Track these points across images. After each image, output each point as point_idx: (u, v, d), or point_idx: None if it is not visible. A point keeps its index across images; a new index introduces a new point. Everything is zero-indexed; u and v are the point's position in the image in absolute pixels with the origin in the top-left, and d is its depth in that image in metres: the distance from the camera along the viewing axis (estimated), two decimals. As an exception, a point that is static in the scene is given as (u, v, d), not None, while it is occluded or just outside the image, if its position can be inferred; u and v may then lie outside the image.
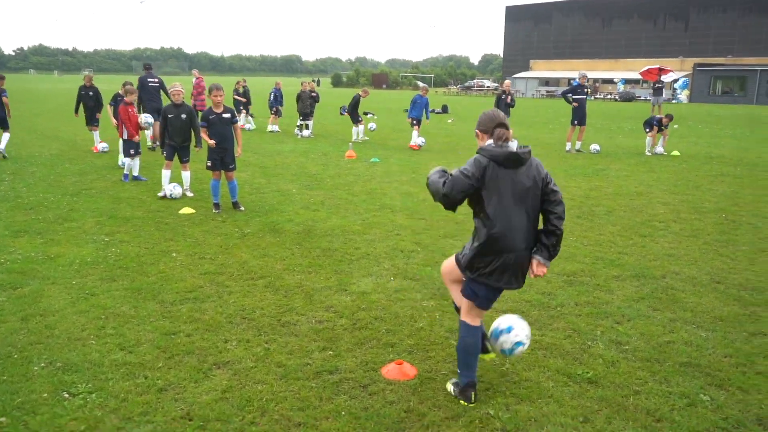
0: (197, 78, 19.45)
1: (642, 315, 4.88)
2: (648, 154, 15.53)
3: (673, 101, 54.34)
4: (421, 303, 5.06)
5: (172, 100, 8.96)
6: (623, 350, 4.24)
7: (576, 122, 15.85)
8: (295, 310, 4.86)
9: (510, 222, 3.32)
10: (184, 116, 8.90)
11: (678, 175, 12.12)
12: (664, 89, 29.58)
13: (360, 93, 18.02)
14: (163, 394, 3.56)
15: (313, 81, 22.61)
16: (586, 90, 16.06)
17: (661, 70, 28.66)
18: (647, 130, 15.76)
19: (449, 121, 26.95)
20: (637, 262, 6.28)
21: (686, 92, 57.85)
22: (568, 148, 16.07)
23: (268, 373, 3.82)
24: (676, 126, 23.92)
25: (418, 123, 16.46)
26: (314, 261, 6.16)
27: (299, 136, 18.36)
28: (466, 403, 3.46)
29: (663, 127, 15.51)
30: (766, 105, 37.15)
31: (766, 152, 16.54)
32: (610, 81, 67.05)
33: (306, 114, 18.60)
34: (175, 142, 8.99)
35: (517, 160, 3.32)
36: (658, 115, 16.30)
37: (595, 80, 68.94)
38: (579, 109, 15.76)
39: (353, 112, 17.57)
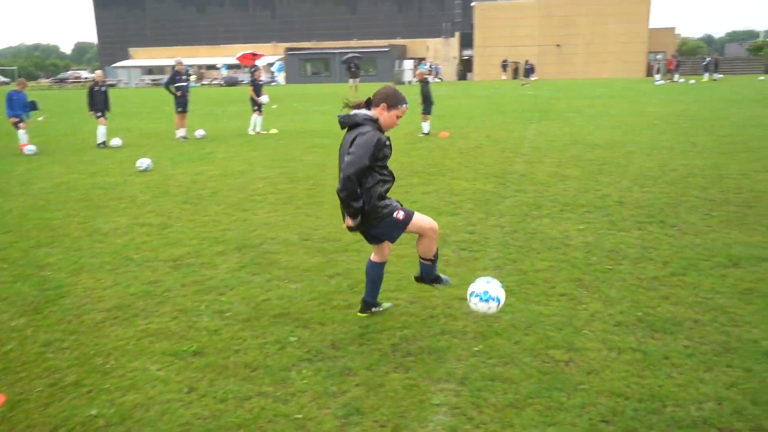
0: None
1: (243, 282, 5.32)
2: (251, 133, 16.60)
3: (273, 84, 58.69)
4: (9, 323, 4.54)
5: None
6: (226, 317, 4.57)
7: (180, 110, 15.91)
8: None
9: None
10: None
11: (277, 151, 13.31)
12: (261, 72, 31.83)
13: None
14: None
15: None
16: (185, 77, 16.19)
17: (255, 55, 30.67)
18: (255, 108, 16.87)
19: (40, 119, 23.94)
20: (240, 235, 6.77)
21: (283, 75, 63.09)
22: (179, 135, 16.04)
23: None
24: (275, 106, 25.99)
25: (20, 122, 14.30)
26: None
27: None
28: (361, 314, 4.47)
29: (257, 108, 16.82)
30: (345, 82, 43.36)
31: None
32: (214, 67, 68.62)
33: None
34: None
35: (340, 123, 4.12)
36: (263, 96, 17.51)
37: (200, 67, 69.71)
38: (182, 96, 15.84)
39: None
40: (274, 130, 17.08)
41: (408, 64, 58.49)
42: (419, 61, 60.44)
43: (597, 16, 58.11)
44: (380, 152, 3.94)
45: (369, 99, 4.11)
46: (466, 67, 64.87)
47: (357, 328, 4.31)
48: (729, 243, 6.02)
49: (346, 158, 3.89)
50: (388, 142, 4.04)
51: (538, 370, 3.67)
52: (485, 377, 3.61)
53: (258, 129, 16.81)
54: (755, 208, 7.34)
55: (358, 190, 3.90)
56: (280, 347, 4.06)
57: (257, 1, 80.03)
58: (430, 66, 58.62)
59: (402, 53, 65.41)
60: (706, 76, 45.54)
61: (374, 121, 4.03)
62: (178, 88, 15.66)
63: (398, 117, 4.06)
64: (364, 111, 4.09)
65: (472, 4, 64.01)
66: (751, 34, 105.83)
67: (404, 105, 4.07)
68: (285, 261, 5.83)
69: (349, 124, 4.08)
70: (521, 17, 60.16)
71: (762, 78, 46.47)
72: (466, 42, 63.85)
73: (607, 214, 7.26)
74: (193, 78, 63.24)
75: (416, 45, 67.09)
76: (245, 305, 4.79)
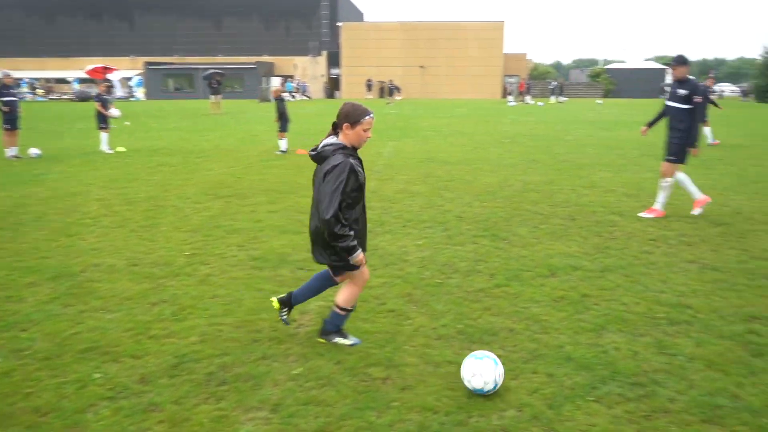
0: None
1: (52, 315, 4.83)
2: (109, 151, 15.49)
3: (132, 99, 55.60)
4: None
5: None
6: (23, 356, 4.11)
7: (8, 127, 14.51)
8: None
9: (312, 208, 4.06)
10: None
11: (119, 170, 12.48)
12: (113, 87, 29.96)
13: None
14: None
15: None
16: (14, 91, 14.81)
17: (106, 69, 28.90)
18: (102, 125, 15.81)
19: None
20: (59, 262, 6.19)
21: (143, 90, 59.98)
22: (9, 154, 14.57)
23: None
24: (127, 123, 24.56)
25: None
26: None
27: None
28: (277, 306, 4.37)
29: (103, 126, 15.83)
30: (207, 99, 41.62)
31: (201, 140, 18.67)
32: (64, 80, 63.80)
33: None
34: None
35: (312, 158, 3.95)
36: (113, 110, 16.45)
37: (47, 80, 64.63)
38: (12, 112, 14.47)
39: None
40: (121, 148, 16.06)
41: (275, 82, 57.96)
42: (286, 78, 60.15)
43: (457, 41, 61.22)
44: (356, 182, 3.82)
45: (335, 123, 3.94)
46: (333, 85, 65.50)
47: (172, 359, 4.04)
48: (551, 254, 6.43)
49: (322, 204, 3.78)
50: (359, 168, 3.87)
51: (354, 390, 3.63)
52: (299, 402, 3.51)
53: (104, 147, 15.71)
54: (577, 220, 7.94)
55: (339, 228, 3.76)
56: (80, 386, 3.70)
57: (113, 12, 75.55)
58: (298, 84, 58.63)
59: (269, 71, 64.71)
60: (552, 99, 49.47)
61: (343, 147, 3.85)
62: (6, 104, 14.24)
63: (365, 130, 3.87)
64: (331, 140, 3.91)
65: (339, 24, 64.94)
66: (593, 62, 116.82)
67: (367, 117, 3.84)
68: (106, 289, 5.40)
69: (320, 159, 3.90)
70: (387, 39, 61.92)
71: (599, 101, 51.35)
72: (334, 61, 64.55)
73: (445, 229, 7.51)
74: (40, 92, 58.36)
75: (284, 63, 66.68)
76: (49, 341, 4.34)
